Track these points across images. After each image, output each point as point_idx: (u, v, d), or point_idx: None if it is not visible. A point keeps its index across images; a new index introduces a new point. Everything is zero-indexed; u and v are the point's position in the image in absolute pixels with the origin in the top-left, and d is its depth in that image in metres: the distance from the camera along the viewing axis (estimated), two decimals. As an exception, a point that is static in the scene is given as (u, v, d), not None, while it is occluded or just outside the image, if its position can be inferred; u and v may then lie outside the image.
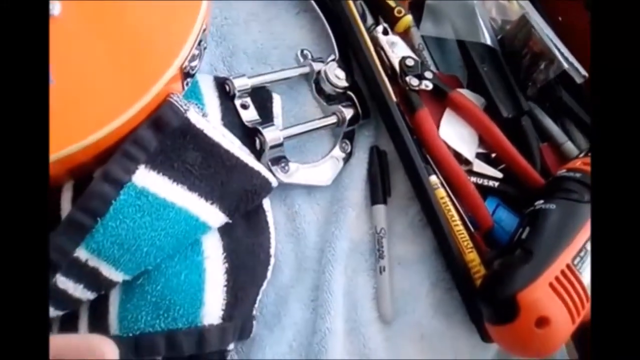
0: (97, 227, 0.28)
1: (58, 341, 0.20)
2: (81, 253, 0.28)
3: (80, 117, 0.28)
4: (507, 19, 0.44)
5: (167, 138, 0.31)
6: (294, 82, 0.42)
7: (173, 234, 0.30)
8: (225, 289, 0.31)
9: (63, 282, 0.28)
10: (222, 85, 0.38)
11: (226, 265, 0.32)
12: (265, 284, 0.35)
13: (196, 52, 0.32)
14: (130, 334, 0.29)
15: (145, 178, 0.30)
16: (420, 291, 0.39)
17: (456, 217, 0.38)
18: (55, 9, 0.29)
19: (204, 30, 0.32)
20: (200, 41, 0.32)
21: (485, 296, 0.33)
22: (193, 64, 0.32)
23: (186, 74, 0.32)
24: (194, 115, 0.32)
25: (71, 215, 0.28)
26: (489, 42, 0.42)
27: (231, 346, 0.33)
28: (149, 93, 0.29)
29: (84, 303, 0.30)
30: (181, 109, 0.31)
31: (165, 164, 0.31)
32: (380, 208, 0.40)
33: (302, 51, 0.42)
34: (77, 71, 0.29)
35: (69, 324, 0.30)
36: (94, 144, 0.28)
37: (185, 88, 0.33)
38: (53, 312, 0.28)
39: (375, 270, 0.39)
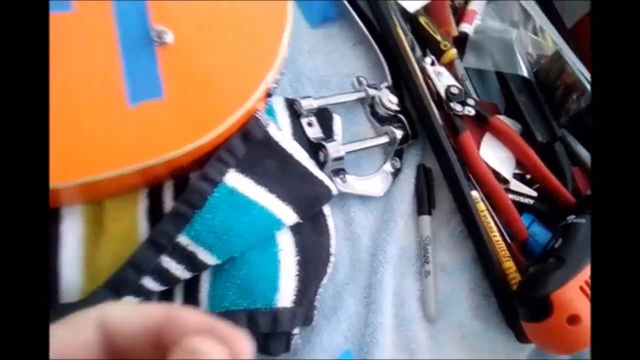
0: (196, 217, 0.33)
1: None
2: (182, 239, 0.33)
3: (184, 127, 0.34)
4: (542, 53, 0.49)
5: (252, 147, 0.37)
6: (351, 105, 0.47)
7: (255, 227, 0.35)
8: (296, 278, 0.36)
9: (167, 262, 0.33)
10: (292, 105, 0.43)
11: (297, 257, 0.37)
12: (325, 279, 0.40)
13: (278, 76, 0.38)
14: (217, 311, 0.34)
15: (235, 179, 0.35)
16: (461, 295, 0.43)
17: (494, 229, 0.43)
18: (168, 37, 0.35)
19: (285, 58, 0.38)
20: (281, 64, 0.38)
21: (523, 296, 0.37)
22: (274, 86, 0.38)
23: (268, 95, 0.38)
24: (273, 129, 0.38)
25: (176, 207, 0.33)
26: (525, 74, 0.47)
27: (296, 330, 0.38)
28: (240, 110, 0.35)
29: (180, 282, 0.35)
30: (264, 123, 0.37)
31: (250, 169, 0.36)
32: (426, 218, 0.44)
33: (357, 78, 0.48)
34: (183, 90, 0.35)
35: (165, 300, 0.35)
36: (193, 151, 0.34)
37: (265, 106, 0.39)
38: (156, 287, 0.34)
39: (420, 274, 0.43)
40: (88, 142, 0.33)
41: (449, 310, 0.43)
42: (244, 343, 0.19)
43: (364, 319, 0.41)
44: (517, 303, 0.38)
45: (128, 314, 0.19)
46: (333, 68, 0.49)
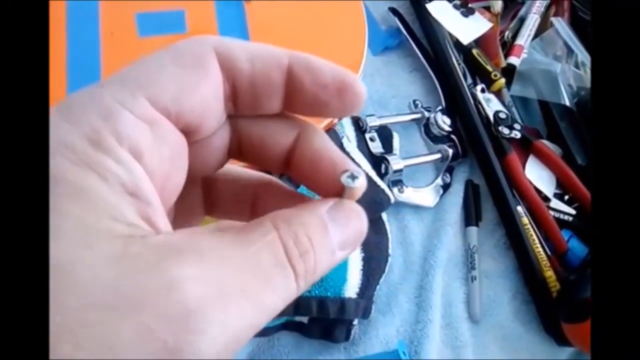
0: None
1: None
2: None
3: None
4: (583, 86, 0.54)
5: (327, 156, 0.42)
6: (407, 124, 0.53)
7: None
8: (361, 272, 0.41)
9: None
10: (357, 122, 0.49)
11: (362, 254, 0.42)
12: (383, 276, 0.45)
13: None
14: (293, 297, 0.40)
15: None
16: (503, 300, 0.47)
17: (537, 241, 0.47)
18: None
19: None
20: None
21: (564, 299, 0.41)
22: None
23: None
24: (345, 141, 0.43)
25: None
26: (567, 103, 0.52)
27: (355, 321, 0.43)
28: (323, 124, 0.41)
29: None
30: (340, 135, 0.42)
31: (325, 175, 0.42)
32: (473, 229, 0.49)
33: (414, 101, 0.54)
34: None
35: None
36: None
37: (338, 121, 0.45)
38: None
39: (466, 279, 0.48)
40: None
41: (491, 312, 0.47)
42: (362, 87, 0.17)
43: (414, 316, 0.45)
44: (559, 305, 0.42)
45: (253, 49, 0.16)
46: (392, 91, 0.54)
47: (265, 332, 0.42)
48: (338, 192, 0.17)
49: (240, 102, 0.16)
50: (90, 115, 0.13)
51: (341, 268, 0.40)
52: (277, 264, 0.14)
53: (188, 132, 0.16)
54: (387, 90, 0.54)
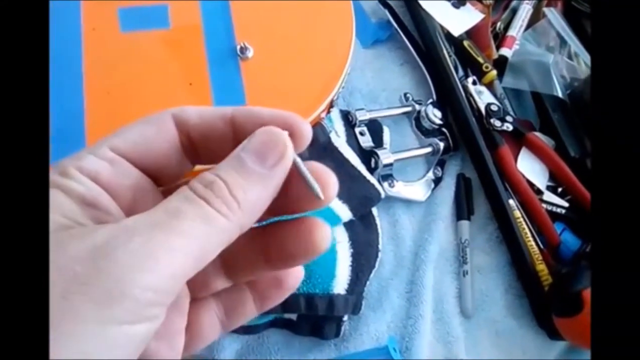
0: (267, 210, 0.38)
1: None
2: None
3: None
4: (576, 77, 0.53)
5: (315, 150, 0.41)
6: (398, 118, 0.52)
7: (317, 221, 0.40)
8: (350, 268, 0.41)
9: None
10: (346, 116, 0.48)
11: (351, 250, 0.41)
12: (373, 272, 0.44)
13: (340, 90, 0.43)
14: (281, 294, 0.39)
15: (300, 178, 0.40)
16: (495, 295, 0.47)
17: (529, 234, 0.47)
18: (249, 52, 0.40)
19: (348, 73, 0.43)
20: (345, 79, 0.43)
21: (557, 293, 0.41)
22: (336, 98, 0.43)
23: (331, 106, 0.43)
24: (333, 136, 0.43)
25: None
26: (560, 95, 0.51)
27: (345, 317, 0.42)
28: (309, 118, 0.40)
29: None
30: (327, 130, 0.42)
31: (313, 170, 0.41)
32: (464, 223, 0.48)
33: (404, 94, 0.53)
34: (262, 98, 0.40)
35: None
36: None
37: (326, 115, 0.44)
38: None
39: (458, 274, 0.47)
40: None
41: (484, 307, 0.46)
42: (304, 124, 0.19)
43: (405, 312, 0.45)
44: (551, 299, 0.41)
45: (203, 109, 0.20)
46: (382, 84, 0.53)
47: (253, 330, 0.41)
48: None
49: (198, 151, 0.20)
50: (64, 160, 0.18)
51: (329, 264, 0.40)
52: (184, 199, 0.17)
53: (153, 175, 0.20)
54: (378, 83, 0.53)
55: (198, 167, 0.21)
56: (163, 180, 0.20)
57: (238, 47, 0.40)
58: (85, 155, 0.18)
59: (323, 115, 0.42)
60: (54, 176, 0.17)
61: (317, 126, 0.42)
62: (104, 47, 0.39)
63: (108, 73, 0.39)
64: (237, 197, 0.17)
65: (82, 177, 0.17)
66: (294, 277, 0.22)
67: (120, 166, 0.18)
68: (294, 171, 0.19)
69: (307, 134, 0.20)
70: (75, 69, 0.38)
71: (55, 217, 0.16)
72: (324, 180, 0.20)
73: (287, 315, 0.41)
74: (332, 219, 0.41)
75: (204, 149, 0.20)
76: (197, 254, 0.16)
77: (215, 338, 0.22)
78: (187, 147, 0.20)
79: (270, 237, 0.20)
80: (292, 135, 0.19)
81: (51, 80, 0.38)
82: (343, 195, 0.42)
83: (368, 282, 0.44)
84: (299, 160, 0.19)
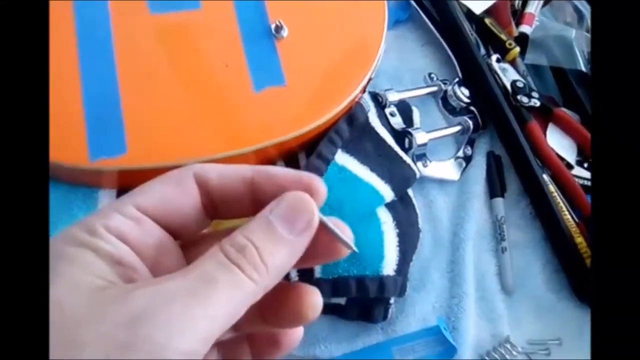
0: (314, 192, 0.37)
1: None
2: (302, 211, 0.37)
3: (304, 112, 0.38)
4: (596, 52, 0.53)
5: (355, 130, 0.41)
6: (424, 98, 0.51)
7: (362, 201, 0.39)
8: (397, 248, 0.40)
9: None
10: (376, 97, 0.47)
11: (397, 230, 0.40)
12: (416, 252, 0.44)
13: (374, 74, 0.42)
14: (330, 277, 0.38)
15: (343, 158, 0.39)
16: (533, 270, 0.47)
17: (564, 208, 0.47)
18: (284, 31, 0.39)
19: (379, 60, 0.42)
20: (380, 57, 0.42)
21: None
22: (373, 76, 0.42)
23: (368, 84, 0.42)
24: (371, 115, 0.42)
25: (296, 182, 0.37)
26: (583, 69, 0.51)
27: (392, 300, 0.41)
28: (349, 97, 0.39)
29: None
30: (366, 109, 0.41)
31: (354, 149, 0.40)
32: (499, 200, 0.48)
33: (429, 74, 0.52)
34: (301, 79, 0.39)
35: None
36: (309, 132, 0.38)
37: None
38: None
39: (495, 251, 0.47)
40: (219, 124, 0.37)
41: (523, 283, 0.46)
42: (321, 183, 0.21)
43: (448, 291, 0.44)
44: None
45: (223, 169, 0.21)
46: (405, 65, 0.53)
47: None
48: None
49: (217, 209, 0.21)
50: (91, 218, 0.19)
51: (378, 245, 0.39)
52: (218, 265, 0.18)
53: (174, 232, 0.20)
54: (401, 64, 0.53)
55: (215, 221, 0.22)
56: (182, 235, 0.21)
57: (273, 26, 0.39)
58: (111, 213, 0.19)
59: (360, 94, 0.41)
60: (82, 235, 0.18)
61: (356, 105, 0.41)
62: (134, 30, 0.38)
63: (141, 57, 0.37)
64: (267, 262, 0.18)
65: (110, 237, 0.18)
66: (291, 338, 0.23)
67: (145, 225, 0.19)
68: (320, 229, 0.20)
69: (323, 191, 0.21)
70: (106, 55, 0.37)
71: (89, 278, 0.17)
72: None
73: (334, 300, 0.40)
74: (377, 199, 0.40)
75: (222, 206, 0.21)
76: (228, 318, 0.17)
77: None
78: (207, 204, 0.21)
79: (266, 298, 0.20)
80: (310, 194, 0.20)
81: (83, 68, 0.36)
82: (385, 175, 0.41)
83: (411, 263, 0.43)
84: (325, 220, 0.20)
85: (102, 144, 0.34)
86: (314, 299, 0.21)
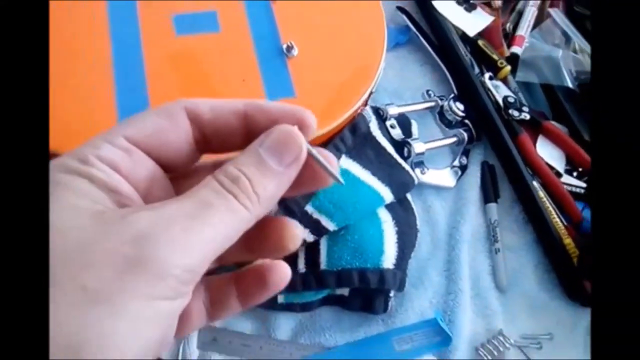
0: (319, 192, 0.41)
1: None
2: (309, 208, 0.41)
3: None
4: (582, 70, 0.58)
5: (357, 138, 0.45)
6: (422, 113, 0.56)
7: (364, 201, 0.43)
8: (396, 245, 0.44)
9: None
10: (377, 111, 0.52)
11: (396, 228, 0.44)
12: (414, 251, 0.47)
13: (375, 88, 0.47)
14: (334, 269, 0.42)
15: (347, 163, 0.43)
16: (527, 270, 0.50)
17: (553, 212, 0.50)
18: (295, 51, 0.44)
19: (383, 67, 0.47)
20: (380, 74, 0.47)
21: (586, 258, 0.44)
22: (374, 90, 0.47)
23: (369, 97, 0.47)
24: (372, 125, 0.46)
25: (304, 182, 0.41)
26: (570, 85, 0.56)
27: (391, 294, 0.45)
28: (353, 108, 0.44)
29: (304, 245, 0.42)
30: (367, 120, 0.45)
31: (357, 156, 0.44)
32: (492, 205, 0.52)
33: (427, 91, 0.57)
34: (309, 91, 0.44)
35: (291, 261, 0.43)
36: (316, 138, 0.43)
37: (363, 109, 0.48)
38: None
39: (490, 252, 0.50)
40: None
41: (517, 283, 0.49)
42: (311, 116, 0.21)
43: (445, 288, 0.48)
44: (582, 265, 0.45)
45: (215, 103, 0.21)
46: (405, 83, 0.58)
47: (308, 307, 0.44)
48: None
49: (209, 143, 0.21)
50: (82, 148, 0.19)
51: (378, 241, 0.43)
52: (213, 193, 0.19)
53: (164, 164, 0.21)
54: (401, 82, 0.58)
55: (205, 156, 0.22)
56: (172, 168, 0.21)
57: (284, 46, 0.44)
58: (102, 143, 0.19)
59: (363, 107, 0.46)
60: (73, 163, 0.18)
61: (359, 117, 0.45)
62: (162, 49, 0.43)
63: (168, 74, 0.42)
64: (259, 193, 0.19)
65: (103, 165, 0.19)
66: (278, 278, 0.23)
67: (136, 156, 0.20)
68: (307, 160, 0.21)
69: (314, 124, 0.21)
70: (138, 71, 0.42)
71: (86, 203, 0.18)
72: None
73: (339, 292, 0.44)
74: (377, 200, 0.44)
75: (214, 140, 0.21)
76: (223, 241, 0.18)
77: (201, 326, 0.23)
78: (198, 139, 0.21)
79: (251, 228, 0.21)
80: (301, 127, 0.20)
81: (117, 80, 0.41)
82: (385, 179, 0.45)
83: (410, 260, 0.47)
84: (314, 151, 0.21)
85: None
86: (294, 231, 0.22)
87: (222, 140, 0.21)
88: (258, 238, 0.22)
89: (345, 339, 0.45)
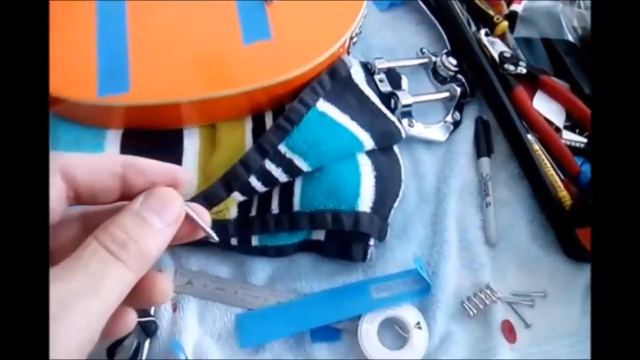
0: (294, 131, 0.41)
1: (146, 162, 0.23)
2: (282, 147, 0.41)
3: (286, 62, 0.43)
4: (586, 25, 0.55)
5: (337, 84, 0.44)
6: (415, 69, 0.55)
7: (340, 143, 0.42)
8: (374, 188, 0.43)
9: (269, 165, 0.40)
10: (366, 66, 0.51)
11: (374, 173, 0.43)
12: (397, 201, 0.46)
13: (358, 30, 0.46)
14: (308, 210, 0.41)
15: (324, 106, 0.43)
16: (520, 224, 0.48)
17: (549, 166, 0.48)
18: (273, -3, 0.44)
19: (365, 16, 0.46)
20: (360, 22, 0.46)
21: (580, 206, 0.42)
22: (355, 38, 0.46)
23: (350, 44, 0.46)
24: (355, 74, 0.46)
25: (278, 122, 0.41)
26: (571, 39, 0.53)
27: (372, 242, 0.44)
28: (329, 51, 0.44)
29: (277, 185, 0.42)
30: (347, 65, 0.45)
31: (336, 100, 0.44)
32: (485, 159, 0.50)
33: (420, 49, 0.56)
34: (286, 34, 0.43)
35: (264, 202, 0.42)
36: (291, 80, 0.43)
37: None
38: (259, 186, 0.41)
39: (481, 207, 0.48)
40: (212, 69, 0.42)
41: (509, 237, 0.47)
42: (185, 174, 0.24)
43: (430, 241, 0.46)
44: (576, 212, 0.42)
45: (92, 163, 0.22)
46: (399, 42, 0.57)
47: (283, 252, 0.43)
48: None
49: (80, 198, 0.22)
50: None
51: (353, 183, 0.42)
52: (102, 263, 0.20)
53: None
54: (395, 41, 0.57)
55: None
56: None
57: (264, -7, 0.44)
58: None
59: (342, 50, 0.45)
60: None
61: (338, 61, 0.45)
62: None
63: (148, 13, 0.43)
64: (146, 253, 0.21)
65: None
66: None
67: None
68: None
69: (188, 180, 0.24)
70: (119, 8, 0.43)
71: None
72: (205, 219, 0.24)
73: (315, 237, 0.43)
74: (355, 144, 0.43)
75: (86, 196, 0.22)
76: (116, 304, 0.20)
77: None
78: (70, 195, 0.22)
79: None
80: (176, 186, 0.23)
81: (98, 26, 0.42)
82: (366, 125, 0.44)
83: (392, 214, 0.46)
84: (192, 212, 0.23)
85: (109, 83, 0.40)
86: (164, 286, 0.24)
87: (94, 197, 0.23)
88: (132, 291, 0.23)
89: (322, 286, 0.44)
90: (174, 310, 0.43)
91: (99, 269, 0.20)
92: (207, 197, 0.40)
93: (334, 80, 0.44)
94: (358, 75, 0.49)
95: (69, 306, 0.18)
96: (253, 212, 0.42)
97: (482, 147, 0.51)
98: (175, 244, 0.23)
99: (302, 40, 0.44)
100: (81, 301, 0.19)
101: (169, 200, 0.22)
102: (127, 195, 0.23)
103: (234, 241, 0.43)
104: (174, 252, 0.45)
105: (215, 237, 0.25)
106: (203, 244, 0.44)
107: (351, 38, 0.46)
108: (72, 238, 0.23)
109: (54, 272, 0.19)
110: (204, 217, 0.24)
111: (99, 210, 0.24)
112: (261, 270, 0.44)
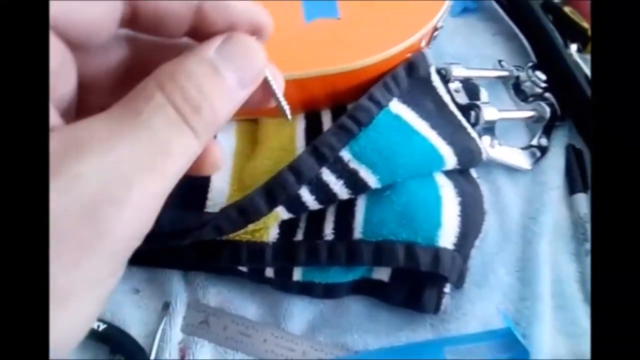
0: (361, 134, 0.32)
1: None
2: (345, 153, 0.31)
3: (354, 47, 0.34)
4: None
5: (414, 83, 0.35)
6: (492, 83, 0.46)
7: (418, 156, 0.33)
8: (459, 218, 0.33)
9: (327, 174, 0.31)
10: (439, 72, 0.42)
11: (459, 198, 0.34)
12: (479, 238, 0.36)
13: (441, 23, 0.38)
14: (373, 240, 0.31)
15: (399, 107, 0.34)
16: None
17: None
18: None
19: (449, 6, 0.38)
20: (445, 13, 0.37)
21: None
22: (439, 28, 0.37)
23: (433, 36, 0.37)
24: (433, 72, 0.37)
25: (342, 121, 0.32)
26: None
27: (447, 288, 0.33)
28: (406, 42, 0.35)
29: (335, 202, 0.32)
30: (428, 62, 0.36)
31: (413, 103, 0.35)
32: (581, 196, 0.40)
33: (499, 61, 0.47)
34: (357, 14, 0.35)
35: (315, 223, 0.32)
36: (355, 71, 0.33)
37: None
38: (311, 202, 0.31)
39: (577, 254, 0.38)
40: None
41: (615, 297, 0.37)
42: (270, 21, 0.18)
43: (517, 293, 0.36)
44: None
45: None
46: (474, 50, 0.48)
47: (333, 291, 0.33)
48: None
49: (141, 25, 0.17)
50: None
51: (434, 209, 0.32)
52: (170, 128, 0.15)
53: (75, 44, 0.16)
54: (468, 48, 0.48)
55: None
56: (83, 47, 0.17)
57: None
58: None
59: (423, 44, 0.37)
60: None
61: (418, 54, 0.36)
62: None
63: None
64: (218, 122, 0.17)
65: None
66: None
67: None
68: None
69: (271, 31, 0.18)
70: None
71: None
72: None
73: (376, 276, 0.33)
74: (436, 159, 0.34)
75: (147, 23, 0.17)
76: (171, 188, 0.16)
77: None
78: (127, 17, 0.17)
79: None
80: (260, 33, 0.18)
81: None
82: (447, 137, 0.35)
83: (473, 249, 0.36)
84: (269, 75, 0.18)
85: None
86: (217, 154, 0.19)
87: (156, 25, 0.17)
88: None
89: (380, 342, 0.33)
90: (182, 357, 0.32)
91: (166, 134, 0.15)
92: (242, 211, 0.30)
93: (412, 77, 0.35)
94: (435, 78, 0.40)
95: (130, 187, 0.14)
96: (299, 236, 0.32)
97: (577, 180, 0.41)
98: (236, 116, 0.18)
99: (376, 24, 0.35)
100: (143, 177, 0.15)
101: (252, 52, 0.17)
102: (197, 33, 0.18)
103: (269, 272, 0.33)
104: (188, 278, 0.35)
105: (288, 115, 0.20)
106: (227, 271, 0.34)
107: (435, 29, 0.37)
108: (117, 62, 0.18)
109: (103, 121, 0.15)
110: (279, 83, 0.19)
111: (156, 42, 0.18)
112: (300, 314, 0.34)
